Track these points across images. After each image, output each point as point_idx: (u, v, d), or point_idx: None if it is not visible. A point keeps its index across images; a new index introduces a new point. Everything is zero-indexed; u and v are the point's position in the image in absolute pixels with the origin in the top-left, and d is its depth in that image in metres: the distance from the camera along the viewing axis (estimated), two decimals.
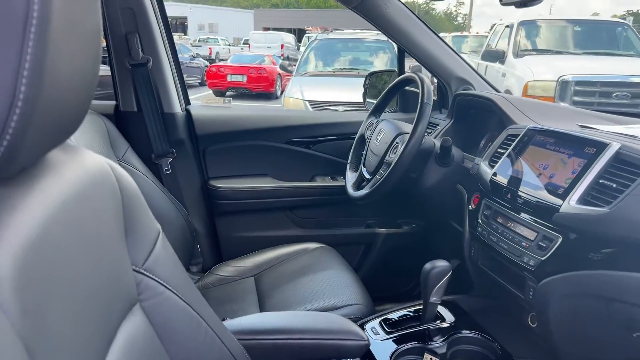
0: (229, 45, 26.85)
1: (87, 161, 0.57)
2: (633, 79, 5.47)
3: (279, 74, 11.78)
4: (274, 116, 1.99)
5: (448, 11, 67.01)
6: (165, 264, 0.70)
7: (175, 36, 26.10)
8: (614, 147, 0.96)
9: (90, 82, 0.47)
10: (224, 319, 1.14)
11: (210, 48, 22.84)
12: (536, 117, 1.34)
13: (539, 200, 1.05)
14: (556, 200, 1.00)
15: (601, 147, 0.98)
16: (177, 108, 1.77)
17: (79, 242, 0.49)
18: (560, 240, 0.99)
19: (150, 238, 0.68)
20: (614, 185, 0.92)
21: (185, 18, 38.24)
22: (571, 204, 0.96)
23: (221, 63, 13.82)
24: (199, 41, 25.56)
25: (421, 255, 1.86)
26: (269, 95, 11.74)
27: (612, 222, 0.87)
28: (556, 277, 0.98)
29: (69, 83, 0.42)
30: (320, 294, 1.37)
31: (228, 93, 12.17)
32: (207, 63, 15.18)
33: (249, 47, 22.52)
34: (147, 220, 0.69)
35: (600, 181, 0.95)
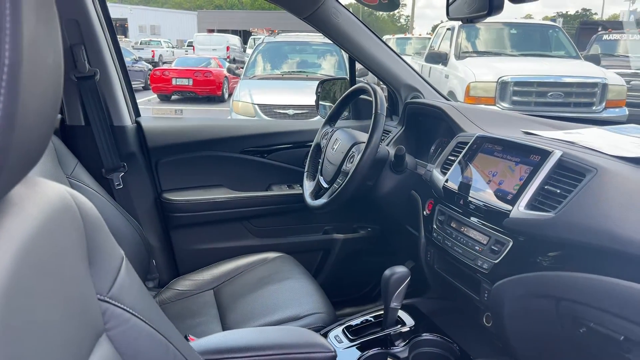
0: (173, 47, 26.22)
1: (48, 193, 0.55)
2: (565, 79, 5.82)
3: (226, 76, 11.64)
4: (227, 126, 1.97)
5: (391, 13, 68.47)
6: (130, 290, 0.69)
7: None
8: (557, 154, 1.02)
9: (52, 115, 0.46)
10: (185, 336, 1.13)
11: (153, 51, 22.24)
12: (483, 125, 1.40)
13: (490, 206, 1.10)
14: (506, 206, 1.05)
15: (545, 154, 1.04)
16: (127, 121, 1.72)
17: (44, 280, 0.48)
18: (511, 244, 1.04)
19: (114, 265, 0.67)
20: (558, 191, 0.98)
21: (126, 20, 37.02)
22: (520, 210, 1.02)
23: (165, 66, 13.48)
24: (140, 44, 24.82)
25: (378, 258, 1.91)
26: (216, 99, 11.57)
27: (557, 226, 0.93)
28: (509, 279, 1.03)
29: (35, 119, 0.41)
30: (282, 304, 1.37)
31: (173, 97, 11.90)
32: (150, 66, 14.77)
33: (193, 49, 22.12)
34: (111, 247, 0.68)
35: (546, 187, 1.01)
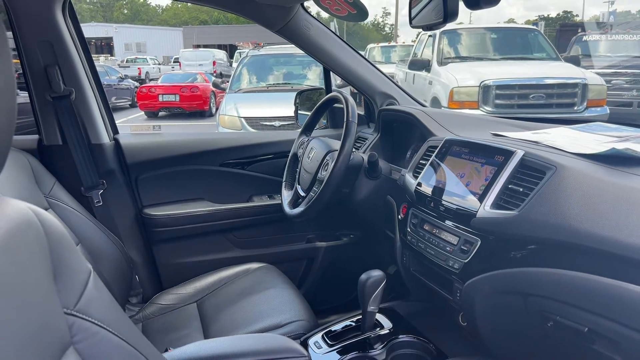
0: (159, 64, 26.28)
1: (9, 211, 0.57)
2: (547, 81, 5.90)
3: (213, 91, 11.68)
4: (206, 139, 1.99)
5: (375, 22, 69.16)
6: (98, 303, 0.70)
7: (102, 57, 25.26)
8: (519, 154, 1.05)
9: (5, 137, 0.48)
10: (166, 349, 1.14)
11: (139, 68, 22.27)
12: (453, 128, 1.44)
13: (459, 207, 1.13)
14: (473, 206, 1.08)
15: (508, 154, 1.07)
16: (105, 138, 1.74)
17: (3, 295, 0.50)
18: (479, 243, 1.07)
19: (81, 279, 0.68)
20: (521, 190, 1.01)
21: (111, 38, 37.04)
22: (486, 209, 1.04)
23: (152, 83, 13.51)
24: (127, 61, 24.85)
25: (361, 264, 1.92)
26: (203, 114, 11.60)
27: (520, 224, 0.96)
28: (478, 278, 1.06)
29: None
30: (264, 314, 1.39)
31: (161, 113, 11.92)
32: (136, 84, 14.80)
33: (179, 65, 22.17)
34: (77, 261, 0.69)
35: (510, 186, 1.04)
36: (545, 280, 0.93)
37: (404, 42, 17.40)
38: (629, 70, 7.65)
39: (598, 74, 6.53)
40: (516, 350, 1.09)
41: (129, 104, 13.83)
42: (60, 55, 1.57)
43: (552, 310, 0.93)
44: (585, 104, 5.82)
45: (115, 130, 1.83)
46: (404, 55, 14.66)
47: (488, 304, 1.06)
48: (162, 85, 11.78)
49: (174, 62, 26.57)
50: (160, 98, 11.43)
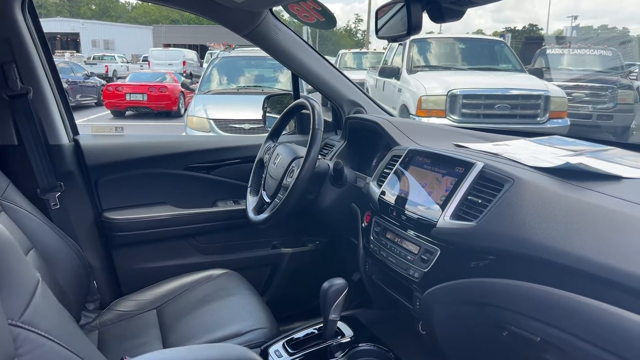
0: (127, 62, 25.77)
1: None
2: (512, 92, 6.07)
3: (182, 91, 11.53)
4: (171, 142, 1.96)
5: (348, 28, 69.68)
6: (46, 313, 0.68)
7: (67, 53, 24.57)
8: (479, 166, 1.08)
9: None
10: (122, 358, 1.11)
11: (106, 66, 21.81)
12: (417, 139, 1.46)
13: (420, 216, 1.14)
14: (433, 217, 1.09)
15: (468, 166, 1.09)
16: (64, 139, 1.68)
17: None
18: (439, 252, 1.08)
19: (27, 289, 0.66)
20: (480, 201, 1.03)
21: (78, 34, 36.10)
22: (445, 219, 1.06)
23: (119, 81, 13.24)
24: (93, 59, 24.28)
25: (326, 271, 1.93)
26: (171, 114, 11.43)
27: (478, 235, 0.98)
28: (437, 287, 1.07)
29: None
30: (224, 322, 1.37)
31: (128, 113, 11.69)
32: (103, 82, 14.47)
33: (148, 64, 21.80)
34: (24, 270, 0.66)
35: (469, 197, 1.06)
36: (500, 290, 0.95)
37: (375, 49, 17.57)
38: (589, 84, 7.94)
39: (560, 86, 6.76)
40: (473, 359, 1.11)
41: (95, 102, 13.51)
42: (18, 52, 1.52)
43: (507, 320, 0.95)
44: (547, 115, 6.00)
45: (75, 130, 1.78)
46: (375, 62, 14.81)
47: (446, 313, 1.08)
48: (130, 84, 11.55)
49: (143, 60, 26.14)
50: (127, 97, 11.20)
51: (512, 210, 0.95)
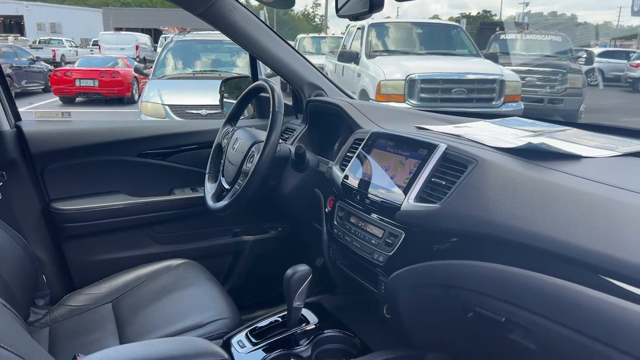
0: (76, 47, 24.67)
1: None
2: (468, 76, 6.17)
3: (135, 77, 11.13)
4: (123, 128, 1.86)
5: (306, 12, 69.07)
6: None
7: (10, 37, 23.28)
8: (442, 147, 1.06)
9: None
10: (75, 356, 1.04)
11: (54, 50, 20.82)
12: (380, 121, 1.43)
13: (384, 200, 1.12)
14: (397, 200, 1.08)
15: (431, 148, 1.08)
16: (5, 125, 1.57)
17: None
18: (403, 236, 1.07)
19: None
20: (444, 183, 1.02)
21: (22, 17, 34.19)
22: (409, 202, 1.05)
23: (68, 67, 12.66)
24: (39, 43, 23.11)
25: (289, 257, 1.90)
26: (125, 100, 11.04)
27: (443, 217, 0.97)
28: (402, 271, 1.06)
29: None
30: (184, 313, 1.32)
31: (78, 99, 11.21)
32: (50, 67, 13.80)
33: (99, 48, 20.96)
34: None
35: (433, 179, 1.05)
36: (465, 272, 0.94)
37: (333, 34, 17.52)
38: (540, 68, 8.18)
39: (514, 71, 6.93)
40: (439, 341, 1.11)
41: (42, 89, 12.89)
42: None
43: (472, 301, 0.95)
44: (502, 99, 6.15)
45: (17, 116, 1.66)
46: (334, 46, 14.75)
47: (411, 296, 1.07)
48: (80, 69, 11.05)
49: (93, 45, 25.09)
50: (77, 83, 10.72)
51: (476, 192, 0.94)
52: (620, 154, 1.00)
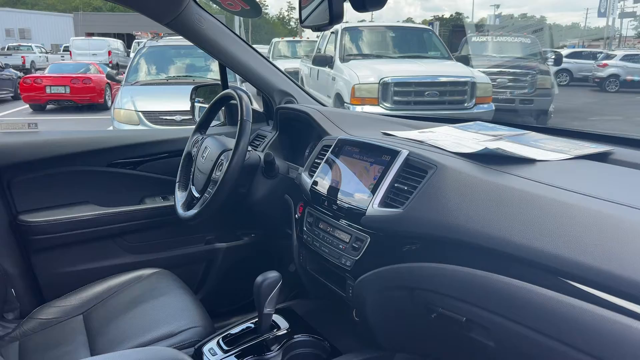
0: (47, 53, 24.20)
1: None
2: (440, 79, 6.28)
3: (108, 83, 10.98)
4: (92, 138, 1.85)
5: (281, 15, 69.08)
6: None
7: None
8: (404, 153, 1.10)
9: None
10: None
11: (23, 57, 20.38)
12: (347, 128, 1.46)
13: (350, 205, 1.15)
14: (363, 205, 1.11)
15: (394, 154, 1.11)
16: None
17: None
18: (369, 240, 1.10)
19: None
20: (406, 188, 1.05)
21: None
22: (374, 207, 1.07)
23: (38, 73, 12.43)
24: (8, 49, 22.62)
25: (262, 264, 1.91)
26: (97, 107, 10.87)
27: (405, 221, 1.00)
28: (368, 274, 1.09)
29: None
30: (156, 323, 1.32)
31: (49, 106, 11.00)
32: (20, 74, 13.51)
33: (70, 54, 20.60)
34: None
35: (396, 185, 1.08)
36: (428, 274, 0.97)
37: (308, 38, 17.53)
38: (511, 70, 8.37)
39: (485, 72, 7.07)
40: (405, 342, 1.14)
41: (12, 96, 12.62)
42: None
43: (435, 302, 0.98)
44: (474, 100, 6.27)
45: None
46: (309, 50, 14.78)
47: (378, 299, 1.10)
48: (50, 76, 10.86)
49: (64, 50, 24.64)
50: (47, 90, 10.53)
51: (436, 196, 0.98)
52: (572, 157, 1.05)
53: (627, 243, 0.69)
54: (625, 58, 16.49)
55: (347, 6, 1.06)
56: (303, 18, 1.19)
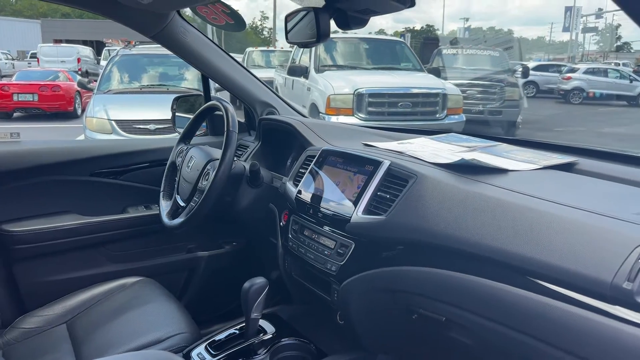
0: (13, 59, 23.58)
1: None
2: (413, 90, 6.43)
3: (78, 91, 10.79)
4: (74, 147, 1.85)
5: (254, 25, 69.09)
6: None
7: None
8: (386, 164, 1.16)
9: None
10: None
11: None
12: (329, 138, 1.52)
13: (335, 213, 1.21)
14: (347, 212, 1.16)
15: (376, 164, 1.18)
16: None
17: None
18: (353, 246, 1.16)
19: None
20: (388, 196, 1.11)
21: None
22: (358, 215, 1.13)
23: (5, 80, 12.10)
24: None
25: (244, 271, 1.94)
26: (67, 115, 10.66)
27: (388, 227, 1.06)
28: (353, 278, 1.14)
29: None
30: (142, 330, 1.34)
31: (16, 114, 10.72)
32: None
33: (37, 61, 20.13)
34: None
35: (379, 193, 1.14)
36: (409, 277, 1.04)
37: (282, 47, 17.62)
38: (480, 82, 8.63)
39: (455, 84, 7.28)
40: (388, 343, 1.20)
41: None
42: None
43: (416, 304, 1.04)
44: (445, 112, 6.45)
45: None
46: (283, 60, 14.84)
47: (362, 302, 1.15)
48: (17, 84, 10.61)
49: (31, 57, 24.05)
50: (15, 97, 10.27)
51: (416, 203, 1.04)
52: (540, 167, 1.14)
53: (590, 245, 0.77)
54: (588, 71, 17.19)
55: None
56: (288, 32, 1.24)
